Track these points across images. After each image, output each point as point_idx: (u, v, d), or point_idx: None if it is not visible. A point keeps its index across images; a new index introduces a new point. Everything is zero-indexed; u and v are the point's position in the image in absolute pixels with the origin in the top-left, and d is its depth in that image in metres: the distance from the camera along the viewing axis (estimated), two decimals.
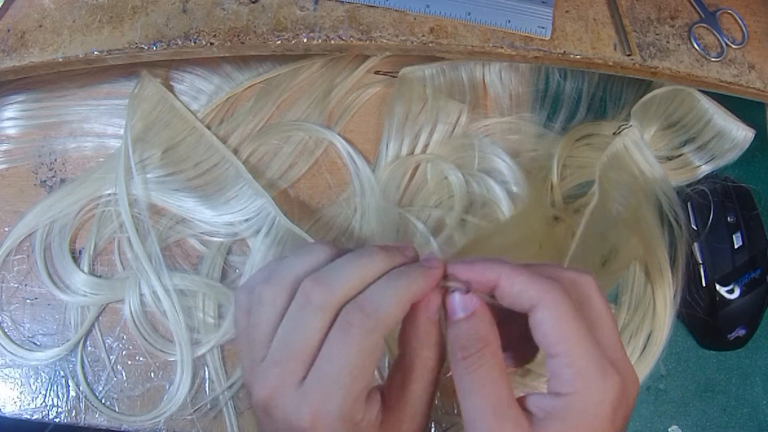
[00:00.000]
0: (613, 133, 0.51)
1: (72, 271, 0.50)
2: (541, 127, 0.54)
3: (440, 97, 0.52)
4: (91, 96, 0.54)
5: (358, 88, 0.55)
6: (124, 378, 0.48)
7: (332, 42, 0.44)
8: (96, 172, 0.51)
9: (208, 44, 0.44)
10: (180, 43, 0.44)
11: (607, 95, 0.55)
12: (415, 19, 0.44)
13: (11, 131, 0.53)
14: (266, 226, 0.49)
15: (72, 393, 0.48)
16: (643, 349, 0.49)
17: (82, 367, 0.48)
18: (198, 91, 0.54)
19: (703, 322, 0.50)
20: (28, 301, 0.50)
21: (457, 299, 0.30)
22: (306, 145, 0.53)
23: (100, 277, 0.50)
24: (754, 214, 0.51)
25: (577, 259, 0.46)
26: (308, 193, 0.53)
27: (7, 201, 0.52)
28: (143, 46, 0.44)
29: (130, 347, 0.49)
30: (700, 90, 0.49)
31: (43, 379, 0.48)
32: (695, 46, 0.45)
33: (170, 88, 0.53)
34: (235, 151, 0.52)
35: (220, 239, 0.51)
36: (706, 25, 0.46)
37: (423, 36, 0.44)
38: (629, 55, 0.45)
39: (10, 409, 0.48)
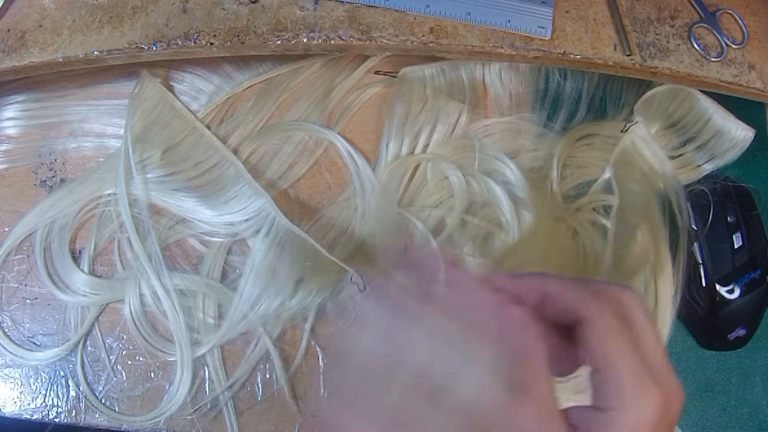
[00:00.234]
0: (621, 131, 0.51)
1: (72, 271, 0.50)
2: (541, 127, 0.54)
3: (440, 97, 0.52)
4: (91, 96, 0.54)
5: (358, 88, 0.55)
6: (124, 378, 0.48)
7: (332, 42, 0.44)
8: (96, 172, 0.51)
9: (208, 44, 0.44)
10: (180, 43, 0.44)
11: (607, 95, 0.55)
12: (415, 19, 0.44)
13: (11, 131, 0.53)
14: (266, 226, 0.49)
15: (72, 393, 0.48)
16: None
17: (82, 367, 0.48)
18: (198, 91, 0.54)
19: (703, 322, 0.50)
20: (28, 301, 0.50)
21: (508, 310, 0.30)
22: (306, 145, 0.53)
23: (100, 277, 0.50)
24: (754, 214, 0.51)
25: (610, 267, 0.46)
26: (308, 193, 0.53)
27: (7, 201, 0.52)
28: (143, 46, 0.44)
29: (130, 347, 0.49)
30: (700, 90, 0.49)
31: (43, 379, 0.48)
32: (695, 46, 0.45)
33: (170, 88, 0.53)
34: (235, 151, 0.52)
35: (220, 239, 0.51)
36: (706, 25, 0.46)
37: (423, 36, 0.44)
38: (629, 55, 0.45)
39: (10, 409, 0.48)
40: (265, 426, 0.48)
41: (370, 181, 0.52)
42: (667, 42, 0.45)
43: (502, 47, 0.44)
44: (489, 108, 0.55)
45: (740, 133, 0.50)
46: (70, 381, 0.48)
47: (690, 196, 0.52)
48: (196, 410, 0.47)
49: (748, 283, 0.49)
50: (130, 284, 0.49)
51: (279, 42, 0.44)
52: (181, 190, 0.51)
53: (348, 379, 0.30)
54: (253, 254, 0.49)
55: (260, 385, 0.48)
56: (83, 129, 0.53)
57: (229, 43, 0.44)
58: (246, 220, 0.50)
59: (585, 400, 0.29)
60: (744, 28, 0.46)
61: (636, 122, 0.50)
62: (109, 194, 0.51)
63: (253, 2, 0.44)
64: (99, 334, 0.49)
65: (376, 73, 0.55)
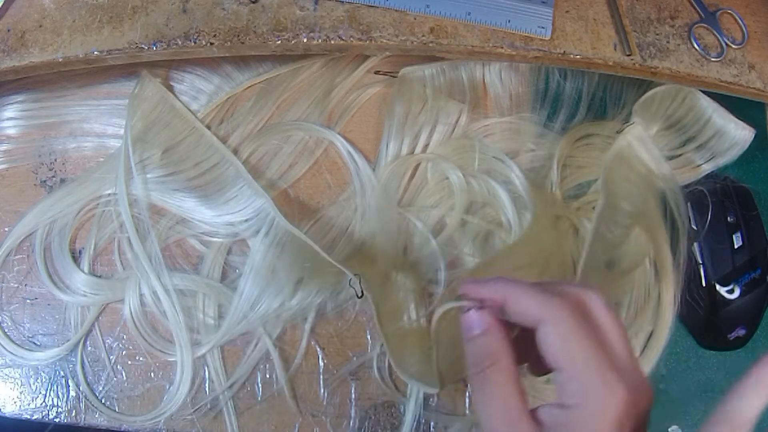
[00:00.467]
0: (617, 132, 0.51)
1: (72, 271, 0.50)
2: (541, 127, 0.54)
3: (440, 97, 0.52)
4: (91, 96, 0.54)
5: (358, 88, 0.55)
6: (124, 378, 0.48)
7: (332, 42, 0.44)
8: (96, 172, 0.51)
9: (208, 44, 0.44)
10: (180, 43, 0.44)
11: (607, 95, 0.55)
12: (415, 19, 0.44)
13: (11, 131, 0.53)
14: (266, 226, 0.49)
15: (72, 393, 0.48)
16: (644, 349, 0.49)
17: (82, 367, 0.48)
18: (198, 91, 0.54)
19: (703, 322, 0.50)
20: (28, 301, 0.50)
21: (470, 317, 0.31)
22: (306, 145, 0.53)
23: (100, 277, 0.50)
24: (754, 214, 0.51)
25: (588, 265, 0.46)
26: (308, 193, 0.53)
27: (7, 201, 0.52)
28: (143, 46, 0.44)
29: (130, 347, 0.49)
30: (700, 90, 0.49)
31: (43, 379, 0.48)
32: (695, 46, 0.45)
33: (170, 88, 0.53)
34: (235, 151, 0.52)
35: (220, 239, 0.51)
36: (706, 25, 0.46)
37: (423, 36, 0.44)
38: (629, 55, 0.45)
39: (10, 409, 0.48)
40: (265, 426, 0.48)
41: (370, 181, 0.52)
42: (667, 42, 0.45)
43: (502, 47, 0.44)
44: (489, 108, 0.55)
45: (740, 133, 0.50)
46: (70, 381, 0.48)
47: (690, 196, 0.52)
48: (196, 410, 0.47)
49: (748, 283, 0.49)
50: (130, 284, 0.49)
51: (279, 42, 0.44)
52: (181, 190, 0.51)
53: None
54: (252, 254, 0.49)
55: (260, 385, 0.48)
56: (83, 129, 0.53)
57: (229, 43, 0.44)
58: (246, 221, 0.50)
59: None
60: (744, 28, 0.46)
61: (633, 123, 0.50)
62: (109, 194, 0.51)
63: (253, 2, 0.44)
64: (99, 334, 0.49)
65: (376, 73, 0.55)
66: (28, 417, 0.48)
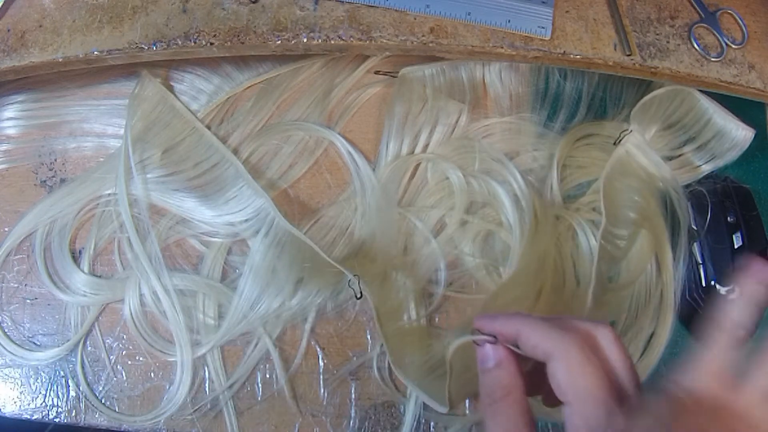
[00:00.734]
0: (614, 143, 0.51)
1: (72, 271, 0.50)
2: (541, 127, 0.54)
3: (440, 97, 0.52)
4: (91, 96, 0.54)
5: (358, 88, 0.55)
6: (124, 378, 0.48)
7: (332, 42, 0.44)
8: (96, 172, 0.51)
9: (208, 44, 0.44)
10: (180, 43, 0.44)
11: (607, 95, 0.55)
12: (415, 19, 0.44)
13: (11, 131, 0.53)
14: (266, 226, 0.49)
15: (72, 393, 0.48)
16: (645, 350, 0.49)
17: (82, 367, 0.48)
18: (198, 91, 0.54)
19: (703, 321, 0.50)
20: (28, 301, 0.50)
21: (485, 350, 0.32)
22: (306, 145, 0.53)
23: (100, 277, 0.50)
24: (754, 214, 0.51)
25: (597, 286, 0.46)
26: (308, 193, 0.53)
27: (7, 201, 0.52)
28: (143, 46, 0.44)
29: (130, 347, 0.49)
30: (699, 90, 0.49)
31: (43, 379, 0.48)
32: (695, 46, 0.45)
33: (170, 88, 0.53)
34: (235, 151, 0.52)
35: (220, 239, 0.51)
36: (706, 25, 0.46)
37: (423, 36, 0.44)
38: (629, 55, 0.45)
39: (10, 409, 0.48)
40: (265, 426, 0.48)
41: (370, 181, 0.52)
42: (667, 42, 0.45)
43: (502, 47, 0.44)
44: (489, 108, 0.55)
45: (740, 133, 0.50)
46: (70, 381, 0.48)
47: (690, 196, 0.52)
48: (196, 410, 0.47)
49: None
50: (130, 284, 0.49)
51: (279, 42, 0.44)
52: (181, 190, 0.51)
53: None
54: (252, 254, 0.49)
55: (260, 385, 0.48)
56: (83, 129, 0.53)
57: (229, 43, 0.44)
58: (246, 221, 0.50)
59: None
60: (744, 28, 0.46)
61: (630, 131, 0.50)
62: (109, 194, 0.51)
63: (253, 2, 0.44)
64: (99, 334, 0.49)
65: (376, 73, 0.55)
66: (28, 417, 0.48)
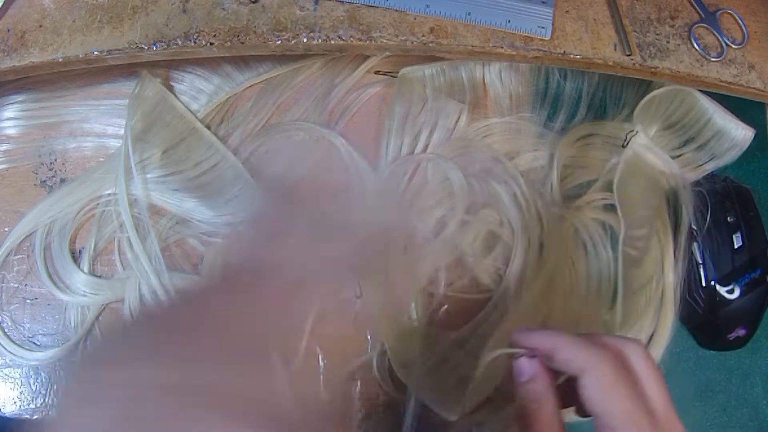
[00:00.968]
0: (622, 145, 0.52)
1: (72, 271, 0.50)
2: (541, 127, 0.54)
3: (440, 97, 0.52)
4: (91, 96, 0.54)
5: (358, 88, 0.55)
6: None
7: (332, 42, 0.44)
8: (96, 172, 0.51)
9: (208, 44, 0.44)
10: (180, 43, 0.44)
11: (607, 95, 0.55)
12: (415, 19, 0.44)
13: (11, 131, 0.53)
14: None
15: None
16: None
17: None
18: (198, 91, 0.54)
19: (703, 322, 0.50)
20: (28, 301, 0.50)
21: (522, 363, 0.34)
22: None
23: (100, 277, 0.50)
24: (754, 214, 0.51)
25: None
26: None
27: (7, 201, 0.52)
28: (143, 46, 0.44)
29: None
30: (699, 90, 0.49)
31: (43, 379, 0.48)
32: (695, 46, 0.45)
33: (170, 88, 0.53)
34: (235, 151, 0.52)
35: (220, 239, 0.51)
36: (706, 25, 0.46)
37: (423, 36, 0.44)
38: (629, 55, 0.45)
39: (10, 409, 0.48)
40: None
41: (370, 182, 0.52)
42: (667, 42, 0.45)
43: (502, 47, 0.44)
44: (489, 108, 0.54)
45: (740, 133, 0.50)
46: None
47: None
48: None
49: (748, 283, 0.49)
50: (130, 284, 0.49)
51: (279, 42, 0.44)
52: (181, 190, 0.51)
53: None
54: None
55: None
56: (83, 129, 0.53)
57: (229, 43, 0.44)
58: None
59: None
60: (744, 28, 0.46)
61: (636, 132, 0.50)
62: (109, 194, 0.51)
63: (253, 2, 0.44)
64: (99, 334, 0.49)
65: (376, 73, 0.55)
66: (28, 417, 0.48)
